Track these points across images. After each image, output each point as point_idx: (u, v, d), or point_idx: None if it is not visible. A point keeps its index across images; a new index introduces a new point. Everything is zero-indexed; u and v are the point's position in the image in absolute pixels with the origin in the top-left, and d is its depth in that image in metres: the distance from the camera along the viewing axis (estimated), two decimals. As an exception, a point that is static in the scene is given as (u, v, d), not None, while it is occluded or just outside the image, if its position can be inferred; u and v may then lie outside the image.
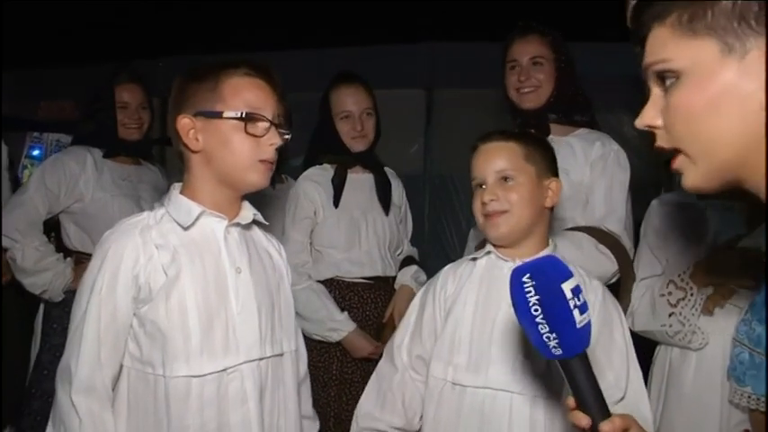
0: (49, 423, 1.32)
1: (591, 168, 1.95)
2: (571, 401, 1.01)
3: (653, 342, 1.81)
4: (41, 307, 2.47)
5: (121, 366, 1.32)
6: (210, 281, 1.33)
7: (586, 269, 1.57)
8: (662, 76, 0.85)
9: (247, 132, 1.31)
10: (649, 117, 0.87)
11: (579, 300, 0.98)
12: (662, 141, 0.87)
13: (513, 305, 1.02)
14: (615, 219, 1.92)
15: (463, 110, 4.09)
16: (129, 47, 3.91)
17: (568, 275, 0.99)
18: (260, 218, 1.43)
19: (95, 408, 1.28)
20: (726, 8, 0.78)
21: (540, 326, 0.97)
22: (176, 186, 1.41)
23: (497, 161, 1.48)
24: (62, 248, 2.46)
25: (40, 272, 2.34)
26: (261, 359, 1.37)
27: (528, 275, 0.99)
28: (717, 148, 0.81)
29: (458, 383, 1.44)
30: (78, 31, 4.25)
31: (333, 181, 2.30)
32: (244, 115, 1.30)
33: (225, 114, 1.31)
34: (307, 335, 2.22)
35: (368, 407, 1.55)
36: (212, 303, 1.32)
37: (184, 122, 1.32)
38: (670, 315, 1.68)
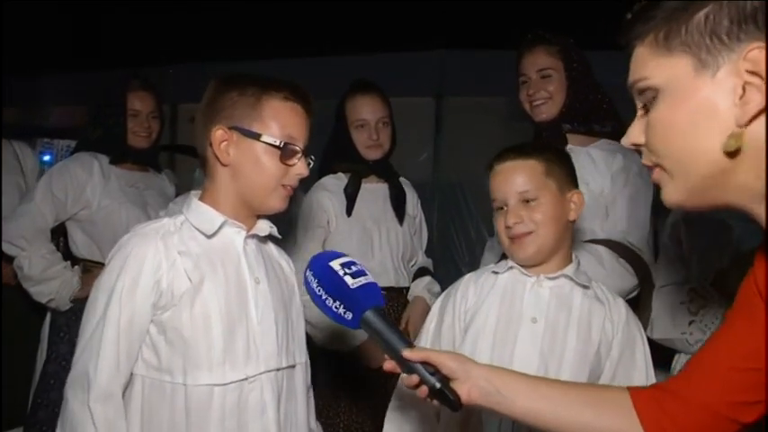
0: None
1: (612, 180, 1.89)
2: (386, 364, 1.12)
3: (671, 350, 1.76)
4: (48, 316, 2.41)
5: (131, 375, 1.28)
6: (232, 290, 1.31)
7: (607, 284, 1.55)
8: (643, 95, 0.86)
9: (282, 161, 1.31)
10: (634, 135, 0.89)
11: (350, 269, 1.17)
12: (646, 159, 0.88)
13: (313, 300, 1.20)
14: (637, 232, 1.86)
15: (472, 118, 4.09)
16: (140, 53, 3.88)
17: (338, 256, 1.20)
18: (275, 231, 1.42)
19: (112, 416, 1.23)
20: (699, 23, 0.79)
21: (327, 301, 1.16)
22: (195, 194, 1.38)
23: (517, 181, 1.42)
24: (69, 256, 2.41)
25: (47, 280, 2.29)
26: (278, 369, 1.35)
27: (310, 271, 1.20)
28: (693, 164, 0.82)
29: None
30: (90, 38, 4.23)
31: (346, 190, 2.25)
32: (282, 145, 1.30)
33: (263, 138, 1.30)
34: (320, 345, 2.17)
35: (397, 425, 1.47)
36: (234, 312, 1.30)
37: (219, 134, 1.30)
38: (690, 323, 1.65)
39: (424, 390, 1.08)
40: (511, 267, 1.46)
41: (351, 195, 2.24)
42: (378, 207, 2.29)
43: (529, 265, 1.44)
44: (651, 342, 1.76)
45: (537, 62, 1.96)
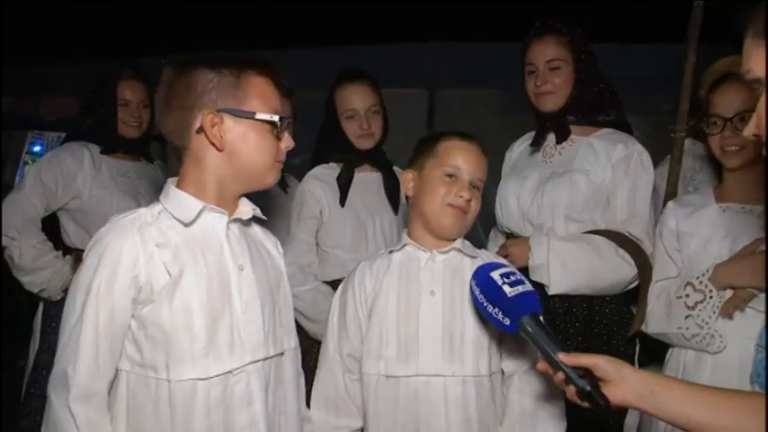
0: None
1: (613, 170, 1.83)
2: (540, 365, 1.19)
3: (665, 344, 1.72)
4: (40, 306, 2.35)
5: (116, 370, 1.22)
6: (214, 279, 1.24)
7: (606, 274, 1.59)
8: (753, 85, 0.88)
9: (276, 136, 1.28)
10: (752, 126, 0.90)
11: (509, 279, 1.28)
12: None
13: (475, 308, 1.36)
14: (637, 223, 1.80)
15: (466, 110, 4.02)
16: (132, 43, 3.79)
17: (498, 267, 1.33)
18: (258, 213, 1.36)
19: (94, 416, 1.18)
20: None
21: (487, 307, 1.27)
22: (172, 181, 1.30)
23: None
24: (62, 246, 2.34)
25: (38, 270, 2.22)
26: (265, 359, 1.30)
27: (473, 281, 1.33)
28: None
29: (391, 375, 1.45)
30: (81, 27, 4.13)
31: (338, 180, 2.18)
32: (277, 120, 1.26)
33: (258, 116, 1.25)
34: (313, 337, 2.12)
35: (321, 416, 1.52)
36: (216, 303, 1.24)
37: (210, 119, 1.23)
38: (686, 317, 1.60)
39: (572, 389, 1.11)
40: (404, 245, 1.52)
41: (344, 185, 2.18)
42: (371, 196, 2.22)
43: None
44: (646, 337, 1.74)
45: (546, 52, 1.89)
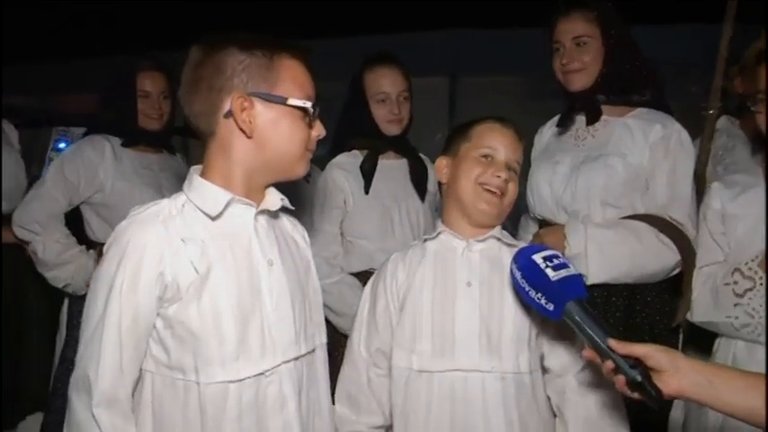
0: None
1: (651, 151, 1.72)
2: (586, 352, 1.12)
3: (711, 334, 1.62)
4: (66, 300, 2.32)
5: (141, 371, 1.15)
6: (243, 276, 1.16)
7: (647, 261, 1.50)
8: None
9: (308, 124, 1.20)
10: None
11: (552, 262, 1.20)
12: None
13: (515, 292, 1.30)
14: (679, 206, 1.70)
15: (487, 96, 3.95)
16: (157, 37, 3.75)
17: (541, 249, 1.25)
18: (287, 203, 1.27)
19: (118, 422, 1.11)
20: None
21: (530, 293, 1.20)
22: (196, 170, 1.22)
23: None
24: (85, 240, 2.29)
25: (62, 265, 2.18)
26: (297, 358, 1.22)
27: (514, 264, 1.25)
28: None
29: (424, 370, 1.37)
30: (105, 22, 4.10)
31: (362, 167, 2.10)
32: (311, 106, 1.18)
33: (290, 102, 1.16)
34: (340, 331, 2.05)
35: (343, 412, 1.46)
36: (246, 301, 1.16)
37: (239, 102, 1.14)
38: (735, 306, 1.49)
39: (621, 379, 1.05)
40: (439, 233, 1.44)
41: (368, 172, 2.10)
42: (397, 184, 2.14)
43: None
44: (691, 326, 1.64)
45: (572, 29, 1.78)
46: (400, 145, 2.16)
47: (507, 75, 4.00)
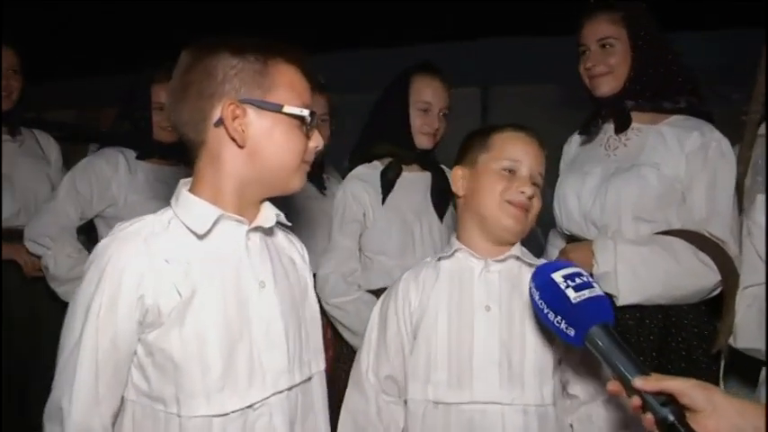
0: None
1: (687, 161, 1.60)
2: (611, 385, 1.00)
3: (757, 361, 1.50)
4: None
5: (122, 399, 1.07)
6: (231, 300, 1.07)
7: (684, 282, 1.37)
8: None
9: (306, 133, 1.11)
10: None
11: (574, 281, 1.07)
12: None
13: (536, 316, 1.18)
14: (719, 221, 1.57)
15: (519, 107, 3.84)
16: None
17: (562, 266, 1.11)
18: (283, 219, 1.18)
19: None
20: None
21: (549, 315, 1.08)
22: (185, 183, 1.13)
23: None
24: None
25: (74, 279, 2.11)
26: (290, 388, 1.12)
27: (533, 283, 1.12)
28: None
29: (440, 402, 1.28)
30: (138, 38, 4.14)
31: (385, 174, 2.01)
32: (308, 114, 1.10)
33: (286, 110, 1.08)
34: (356, 350, 1.95)
35: None
36: (233, 327, 1.07)
37: (231, 110, 1.05)
38: None
39: (650, 419, 0.93)
40: (455, 251, 1.35)
41: (389, 181, 2.01)
42: (418, 198, 2.04)
43: None
44: (735, 353, 1.50)
45: (597, 30, 1.69)
46: (426, 158, 2.07)
47: (540, 84, 3.88)
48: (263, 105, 1.07)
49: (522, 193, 1.29)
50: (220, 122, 1.06)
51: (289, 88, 1.09)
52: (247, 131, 1.07)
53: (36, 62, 2.51)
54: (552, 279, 1.09)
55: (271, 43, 1.10)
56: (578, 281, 1.08)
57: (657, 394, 0.93)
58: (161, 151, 2.22)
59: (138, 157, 2.20)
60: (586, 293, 1.06)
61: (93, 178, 2.14)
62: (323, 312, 2.03)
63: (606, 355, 1.00)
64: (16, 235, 2.18)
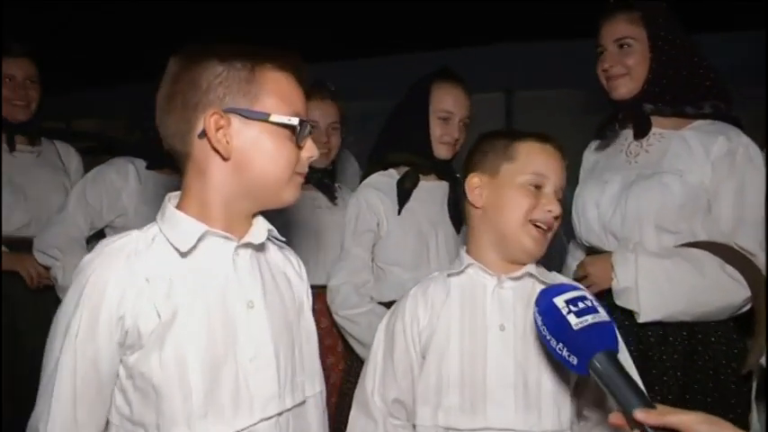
0: None
1: (713, 168, 1.51)
2: (613, 417, 0.94)
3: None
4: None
5: (108, 422, 1.02)
6: (215, 320, 1.02)
7: (711, 298, 1.29)
8: None
9: (297, 143, 1.05)
10: None
11: (576, 306, 1.00)
12: None
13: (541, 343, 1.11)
14: (748, 232, 1.48)
15: (544, 111, 3.79)
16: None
17: (566, 290, 1.04)
18: (275, 233, 1.13)
19: None
20: None
21: (551, 342, 1.01)
22: (172, 198, 1.08)
23: None
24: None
25: (83, 291, 2.10)
26: (280, 414, 1.06)
27: (536, 308, 1.05)
28: None
29: (452, 428, 1.21)
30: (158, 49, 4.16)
31: (402, 183, 1.94)
32: (298, 123, 1.04)
33: (273, 118, 1.02)
34: (368, 363, 1.89)
35: None
36: (218, 350, 1.01)
37: (214, 120, 1.00)
38: None
39: None
40: (468, 266, 1.27)
41: (406, 191, 1.94)
42: (435, 208, 1.97)
43: None
44: (764, 371, 1.41)
45: (614, 30, 1.63)
46: (444, 168, 2.00)
47: (564, 88, 3.80)
48: (248, 114, 1.01)
49: (549, 212, 1.21)
50: (204, 134, 1.01)
51: (277, 96, 1.03)
52: (232, 142, 1.01)
53: (63, 72, 2.52)
54: (554, 304, 1.03)
55: (261, 49, 1.05)
56: (581, 305, 1.01)
57: (661, 429, 0.85)
58: (172, 161, 2.18)
59: (148, 167, 2.17)
60: (589, 319, 0.99)
61: (102, 189, 2.11)
62: (334, 324, 2.00)
63: (609, 385, 0.94)
64: (26, 245, 2.16)
